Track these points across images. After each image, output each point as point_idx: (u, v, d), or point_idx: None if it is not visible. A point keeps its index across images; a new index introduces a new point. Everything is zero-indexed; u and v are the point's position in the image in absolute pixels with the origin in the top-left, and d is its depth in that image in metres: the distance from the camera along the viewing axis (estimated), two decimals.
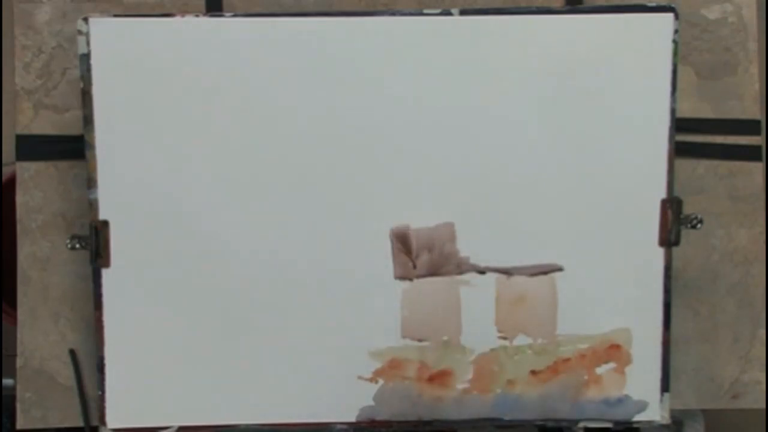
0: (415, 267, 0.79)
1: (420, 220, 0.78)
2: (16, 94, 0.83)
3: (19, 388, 0.83)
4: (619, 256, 0.78)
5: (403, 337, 0.79)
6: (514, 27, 0.77)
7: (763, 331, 0.86)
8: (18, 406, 0.83)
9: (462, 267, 0.79)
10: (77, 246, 0.77)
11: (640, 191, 0.78)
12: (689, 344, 0.86)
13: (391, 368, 0.80)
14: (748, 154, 0.86)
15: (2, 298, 0.98)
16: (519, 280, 0.79)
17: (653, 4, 0.77)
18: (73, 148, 0.81)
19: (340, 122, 0.77)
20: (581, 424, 0.81)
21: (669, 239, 0.79)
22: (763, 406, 0.86)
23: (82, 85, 0.76)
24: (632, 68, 0.77)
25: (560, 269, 0.78)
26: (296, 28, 0.76)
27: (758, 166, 0.86)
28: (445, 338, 0.80)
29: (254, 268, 0.78)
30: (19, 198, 0.83)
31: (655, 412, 0.81)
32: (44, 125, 0.83)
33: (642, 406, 0.81)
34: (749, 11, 0.85)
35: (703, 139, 0.85)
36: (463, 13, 0.77)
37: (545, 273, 0.79)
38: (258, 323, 0.79)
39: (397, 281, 0.79)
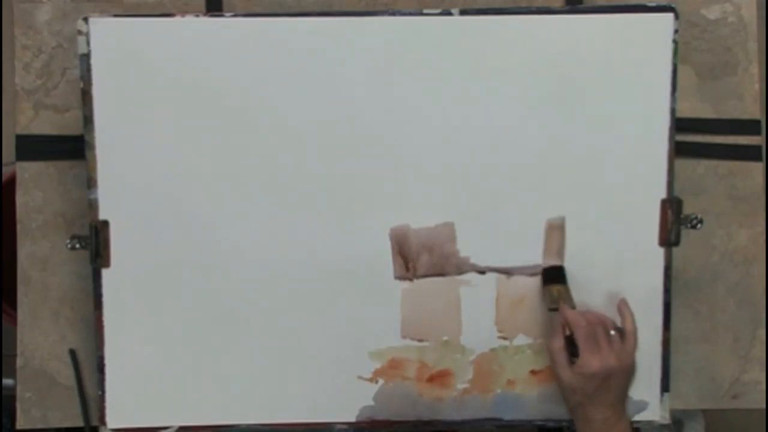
0: (414, 267, 0.79)
1: (420, 220, 0.78)
2: (16, 94, 0.83)
3: (19, 388, 0.83)
4: (619, 256, 0.78)
5: (403, 337, 0.79)
6: (514, 27, 0.77)
7: (763, 331, 0.86)
8: (18, 406, 0.83)
9: (462, 267, 0.79)
10: (77, 246, 0.77)
11: (640, 191, 0.78)
12: (689, 344, 0.86)
13: (391, 368, 0.80)
14: (748, 154, 0.86)
15: (2, 298, 0.98)
16: (519, 280, 0.79)
17: (653, 4, 0.77)
18: (73, 148, 0.81)
19: (340, 122, 0.77)
20: None
21: (669, 239, 0.79)
22: (763, 406, 0.86)
23: (82, 85, 0.76)
24: (632, 68, 0.77)
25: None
26: (296, 28, 0.76)
27: (758, 166, 0.86)
28: (445, 338, 0.80)
29: (254, 267, 0.78)
30: (19, 198, 0.83)
31: (655, 412, 0.81)
32: (44, 125, 0.83)
33: (642, 406, 0.81)
34: (749, 11, 0.85)
35: (703, 139, 0.85)
36: (463, 13, 0.77)
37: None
38: (258, 323, 0.79)
39: (397, 281, 0.79)
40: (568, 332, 0.73)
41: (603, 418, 0.71)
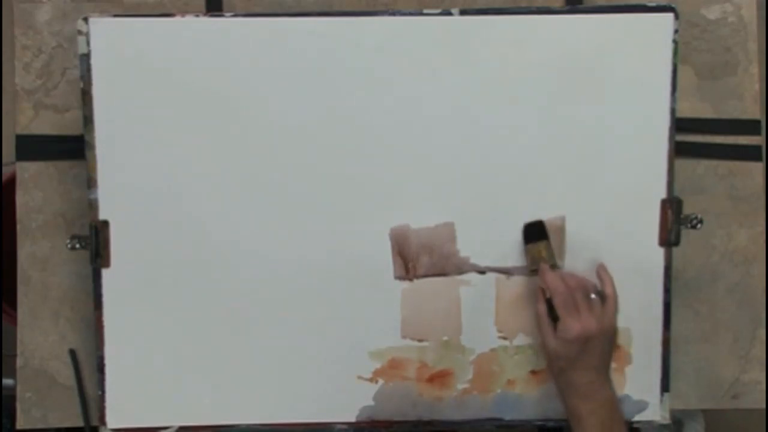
0: (414, 267, 0.78)
1: (420, 220, 0.78)
2: (16, 94, 0.83)
3: (19, 388, 0.83)
4: (619, 256, 0.78)
5: (403, 337, 0.79)
6: (514, 27, 0.77)
7: (763, 331, 0.86)
8: (18, 406, 0.83)
9: (462, 267, 0.79)
10: (77, 246, 0.77)
11: (640, 191, 0.78)
12: (689, 344, 0.86)
13: (391, 368, 0.80)
14: (748, 154, 0.86)
15: (2, 298, 0.98)
16: (519, 280, 0.79)
17: (653, 4, 0.77)
18: (73, 148, 0.81)
19: (340, 122, 0.77)
20: None
21: (669, 239, 0.79)
22: (763, 406, 0.86)
23: (82, 85, 0.76)
24: (632, 68, 0.77)
25: (559, 269, 0.78)
26: (296, 28, 0.76)
27: (758, 166, 0.86)
28: (445, 338, 0.80)
29: (254, 268, 0.78)
30: (19, 198, 0.83)
31: (655, 412, 0.81)
32: (44, 125, 0.83)
33: (642, 406, 0.81)
34: (749, 11, 0.85)
35: (703, 139, 0.85)
36: (463, 13, 0.77)
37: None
38: (258, 323, 0.79)
39: (397, 281, 0.79)
40: (549, 295, 0.73)
41: (587, 381, 0.71)
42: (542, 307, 0.73)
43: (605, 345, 0.71)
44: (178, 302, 0.78)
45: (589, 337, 0.70)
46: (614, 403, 0.72)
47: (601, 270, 0.76)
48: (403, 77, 0.77)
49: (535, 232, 0.77)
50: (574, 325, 0.70)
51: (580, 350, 0.70)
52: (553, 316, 0.72)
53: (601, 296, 0.73)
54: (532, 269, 0.76)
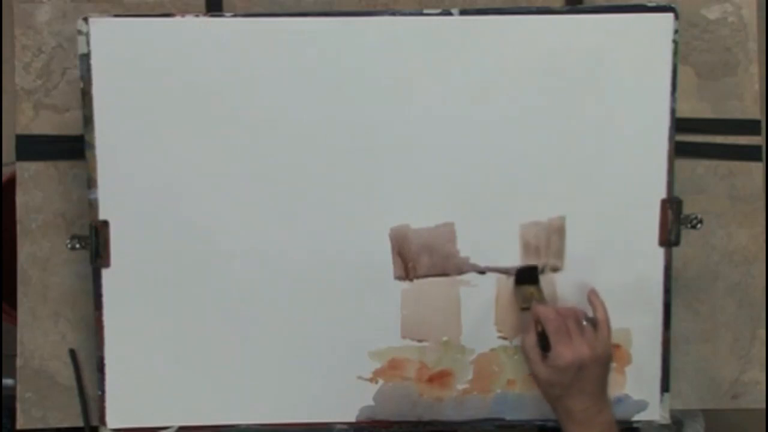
0: (414, 267, 0.78)
1: (420, 220, 0.78)
2: (16, 94, 0.83)
3: (19, 388, 0.83)
4: (619, 256, 0.78)
5: (403, 337, 0.79)
6: (514, 27, 0.77)
7: (763, 331, 0.86)
8: (18, 406, 0.83)
9: (462, 267, 0.79)
10: (77, 246, 0.77)
11: (640, 191, 0.78)
12: (689, 344, 0.86)
13: (391, 368, 0.80)
14: (748, 154, 0.86)
15: (2, 298, 0.98)
16: None
17: (653, 4, 0.77)
18: (73, 148, 0.81)
19: (340, 122, 0.77)
20: None
21: (669, 239, 0.79)
22: (763, 406, 0.86)
23: (82, 85, 0.76)
24: (632, 68, 0.77)
25: (559, 269, 0.78)
26: (296, 28, 0.76)
27: (758, 166, 0.86)
28: (445, 338, 0.80)
29: (254, 268, 0.78)
30: (19, 198, 0.83)
31: (655, 412, 0.81)
32: (44, 125, 0.83)
33: (642, 406, 0.81)
34: (749, 11, 0.85)
35: (703, 139, 0.85)
36: (463, 13, 0.77)
37: (544, 273, 0.79)
38: (258, 323, 0.79)
39: (397, 281, 0.79)
40: (540, 328, 0.72)
41: (583, 408, 0.70)
42: (531, 339, 0.72)
43: (599, 370, 0.70)
44: (178, 302, 0.78)
45: (583, 365, 0.69)
46: (612, 428, 0.71)
47: (592, 296, 0.75)
48: (403, 77, 0.77)
49: (527, 277, 0.77)
50: (566, 352, 0.69)
51: (574, 377, 0.69)
52: (544, 347, 0.71)
53: (593, 322, 0.73)
54: (524, 307, 0.76)
